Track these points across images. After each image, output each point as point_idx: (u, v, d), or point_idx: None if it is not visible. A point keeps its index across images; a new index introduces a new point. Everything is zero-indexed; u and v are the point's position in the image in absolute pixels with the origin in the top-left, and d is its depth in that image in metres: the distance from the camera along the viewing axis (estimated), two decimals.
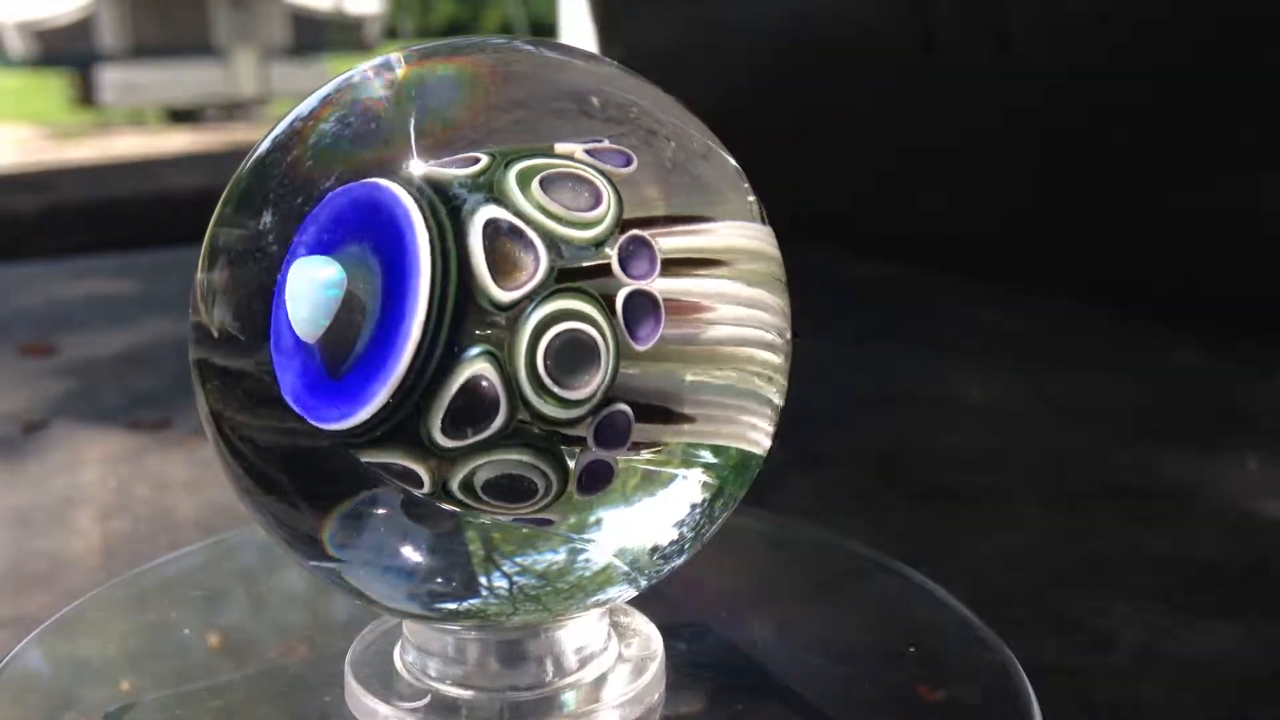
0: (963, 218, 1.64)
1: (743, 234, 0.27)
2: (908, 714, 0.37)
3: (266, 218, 0.27)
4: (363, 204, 0.25)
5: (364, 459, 0.25)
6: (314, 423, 0.25)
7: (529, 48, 0.30)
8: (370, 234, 0.25)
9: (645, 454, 0.26)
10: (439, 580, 0.27)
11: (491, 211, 0.25)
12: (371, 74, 0.28)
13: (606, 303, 0.25)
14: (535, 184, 0.25)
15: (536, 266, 0.25)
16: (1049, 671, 0.62)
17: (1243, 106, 1.27)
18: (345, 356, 0.25)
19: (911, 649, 0.38)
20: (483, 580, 0.27)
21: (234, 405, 0.27)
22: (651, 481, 0.27)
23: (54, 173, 2.89)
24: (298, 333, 0.25)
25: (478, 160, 0.26)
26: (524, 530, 0.26)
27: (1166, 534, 0.81)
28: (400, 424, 0.25)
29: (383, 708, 0.31)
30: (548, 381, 0.25)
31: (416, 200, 0.25)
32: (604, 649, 0.32)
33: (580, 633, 0.31)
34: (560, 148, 0.26)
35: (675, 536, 0.29)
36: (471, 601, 0.28)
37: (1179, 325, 1.29)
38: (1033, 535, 0.82)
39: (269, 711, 0.37)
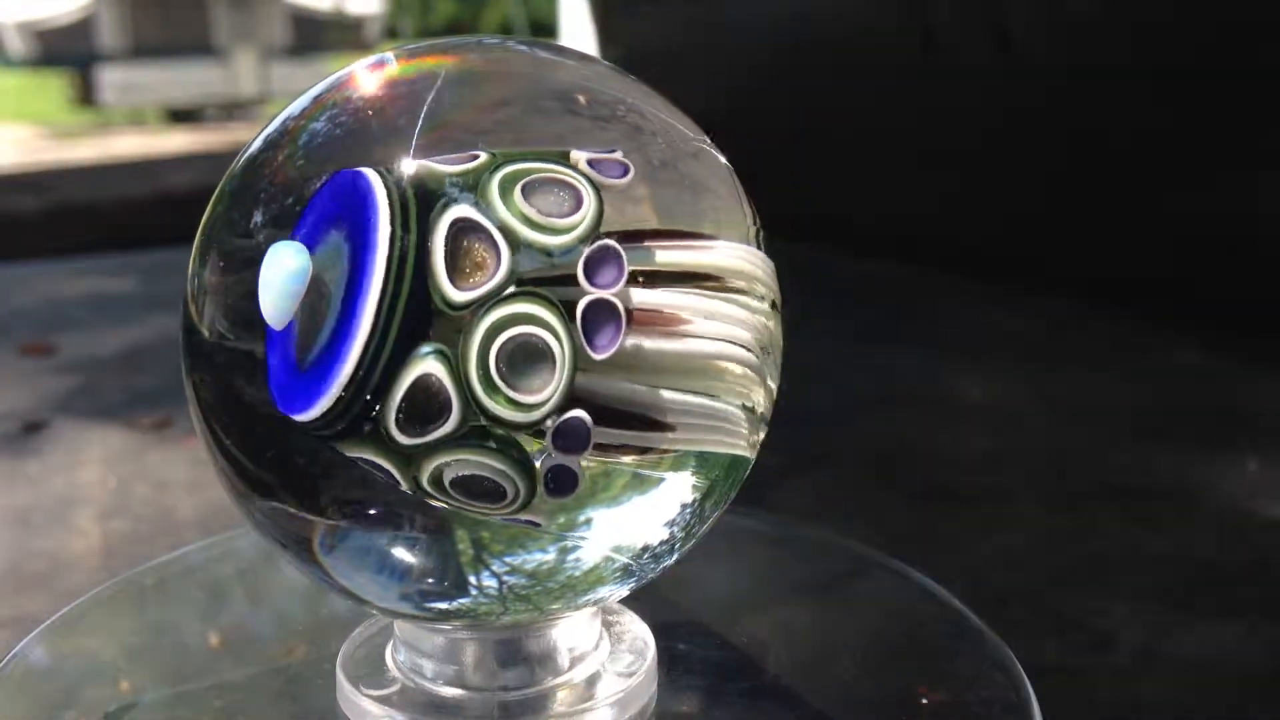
0: (963, 218, 1.64)
1: (730, 252, 0.27)
2: (908, 714, 0.37)
3: (257, 217, 0.27)
4: (343, 192, 0.26)
5: (343, 453, 0.25)
6: (284, 412, 0.25)
7: (522, 48, 0.30)
8: (345, 223, 0.25)
9: (626, 459, 0.26)
10: (430, 580, 0.27)
11: (462, 211, 0.25)
12: (364, 72, 0.29)
13: (567, 310, 0.25)
14: (518, 187, 0.25)
15: (496, 269, 0.25)
16: (1049, 671, 0.62)
17: (1243, 106, 1.27)
18: (310, 347, 0.25)
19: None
20: (472, 580, 0.27)
21: (224, 405, 0.28)
22: (641, 481, 0.27)
23: (54, 173, 2.89)
24: (267, 320, 0.25)
25: (476, 158, 0.26)
26: (513, 530, 0.26)
27: (1166, 534, 0.81)
28: (358, 419, 0.25)
29: (364, 701, 0.31)
30: (500, 384, 0.25)
31: (389, 192, 0.25)
32: (596, 648, 0.32)
33: (572, 632, 0.31)
34: (574, 155, 0.26)
35: (666, 536, 0.29)
36: (461, 601, 0.28)
37: (1179, 325, 1.29)
38: (1033, 535, 0.82)
39: (269, 711, 0.37)
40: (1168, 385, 1.15)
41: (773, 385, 0.29)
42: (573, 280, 0.25)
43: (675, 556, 0.30)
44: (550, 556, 0.27)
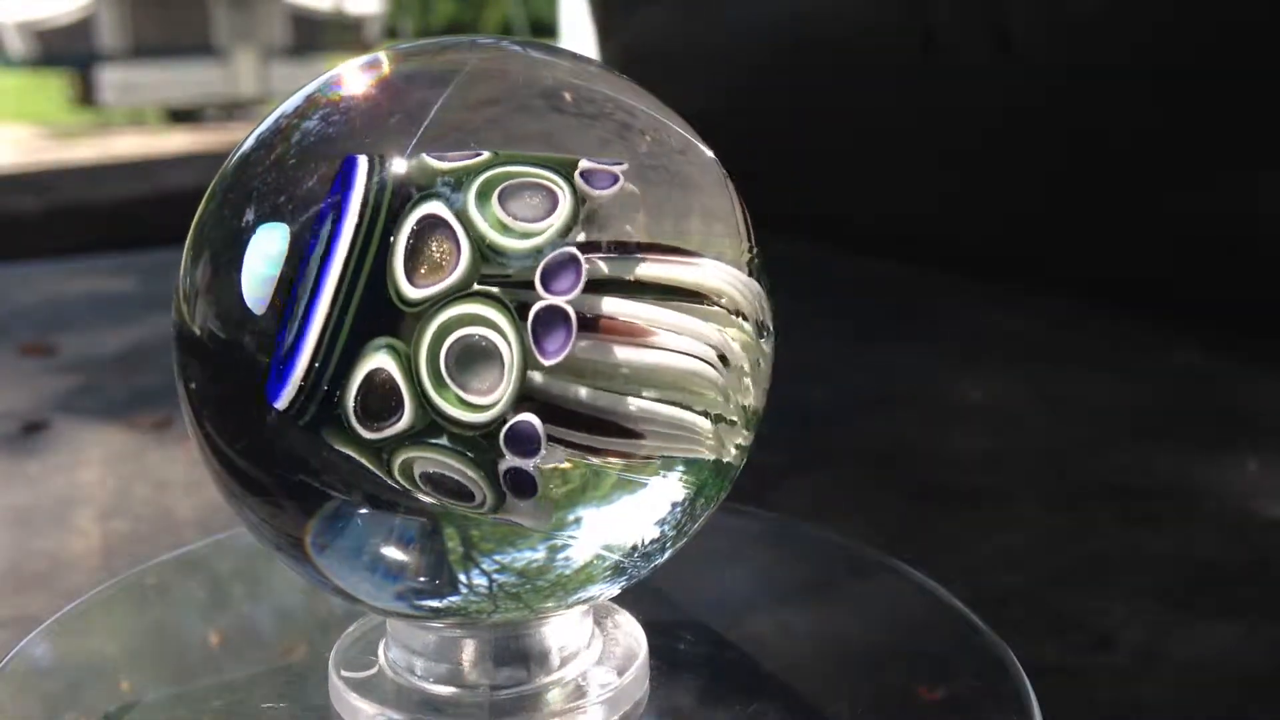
0: (963, 218, 1.64)
1: (709, 271, 0.27)
2: (907, 714, 0.37)
3: (249, 215, 0.27)
4: (336, 178, 0.26)
5: (323, 448, 0.25)
6: (268, 400, 0.25)
7: (515, 48, 0.30)
8: (328, 210, 0.25)
9: (594, 459, 0.26)
10: (421, 579, 0.27)
11: (432, 208, 0.25)
12: (357, 71, 0.29)
13: (521, 314, 0.25)
14: (499, 190, 0.25)
15: (453, 268, 0.25)
16: (1049, 671, 0.62)
17: (1243, 106, 1.27)
18: (283, 333, 0.25)
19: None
20: (462, 578, 0.27)
21: (216, 404, 0.28)
22: (629, 481, 0.27)
23: (54, 173, 2.89)
24: (247, 303, 0.26)
25: (473, 157, 0.26)
26: (502, 528, 0.26)
27: (1166, 534, 0.81)
28: (322, 409, 0.25)
29: (355, 700, 0.31)
30: (449, 383, 0.25)
31: (368, 183, 0.25)
32: (587, 647, 0.32)
33: (564, 630, 0.31)
34: (584, 163, 0.26)
35: (657, 535, 0.29)
36: (452, 599, 0.28)
37: (1179, 325, 1.29)
38: (1033, 535, 0.82)
39: (269, 711, 0.38)
40: (1168, 385, 1.15)
41: (750, 397, 0.29)
42: (530, 285, 0.25)
43: (667, 555, 0.30)
44: (540, 555, 0.27)
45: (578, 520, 0.27)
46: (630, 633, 0.34)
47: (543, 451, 0.25)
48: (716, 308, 0.27)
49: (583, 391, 0.25)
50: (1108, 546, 0.80)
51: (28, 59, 6.74)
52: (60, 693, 0.38)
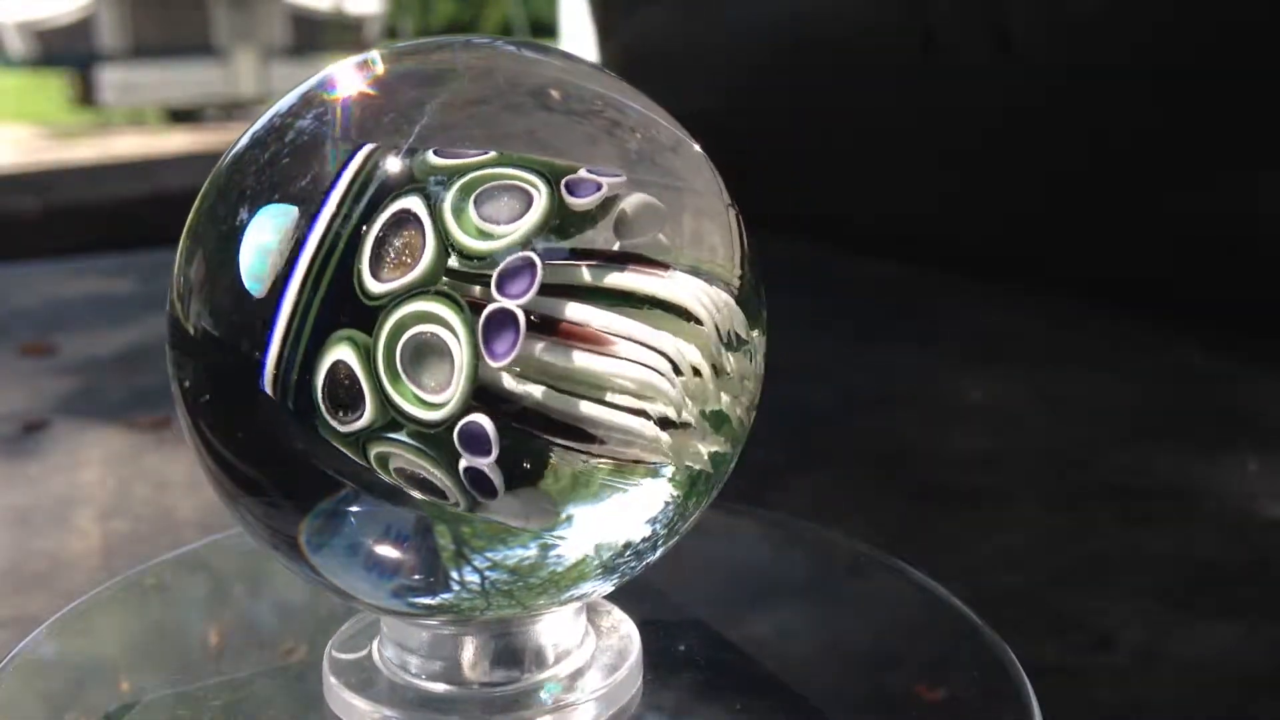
0: (963, 218, 1.64)
1: (678, 285, 0.27)
2: (907, 714, 0.37)
3: (243, 213, 0.27)
4: (325, 174, 0.26)
5: (311, 443, 0.26)
6: (259, 386, 0.26)
7: (509, 48, 0.30)
8: (313, 201, 0.26)
9: (572, 464, 0.26)
10: (415, 577, 0.28)
11: (409, 203, 0.25)
12: (351, 70, 0.29)
13: (476, 314, 0.25)
14: (479, 190, 0.26)
15: (415, 264, 0.25)
16: (1049, 671, 0.62)
17: (1243, 106, 1.27)
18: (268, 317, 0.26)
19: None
20: (454, 575, 0.27)
21: (210, 403, 0.28)
22: (619, 479, 0.27)
23: (54, 173, 2.89)
24: (246, 286, 0.26)
25: (475, 155, 0.26)
26: (493, 526, 0.27)
27: (1166, 534, 0.81)
28: (299, 398, 0.26)
29: (349, 697, 0.31)
30: (405, 379, 0.25)
31: (352, 178, 0.26)
32: (580, 644, 0.32)
33: (557, 628, 0.31)
34: (582, 170, 0.26)
35: (648, 533, 0.29)
36: (444, 596, 0.28)
37: (1179, 325, 1.29)
38: (1033, 535, 0.82)
39: (269, 711, 0.38)
40: (1168, 385, 1.15)
41: (721, 403, 0.28)
42: (487, 286, 0.25)
43: (659, 553, 0.30)
44: (532, 552, 0.27)
45: (569, 518, 0.27)
46: (623, 631, 0.34)
47: (494, 453, 0.25)
48: (676, 317, 0.27)
49: (537, 394, 0.25)
50: (1108, 546, 0.80)
51: (28, 59, 6.74)
52: (60, 693, 0.38)
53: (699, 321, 0.27)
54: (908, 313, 1.50)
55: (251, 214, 0.27)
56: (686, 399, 0.27)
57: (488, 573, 0.28)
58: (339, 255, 0.25)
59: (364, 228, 0.25)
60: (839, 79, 1.81)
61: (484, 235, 0.25)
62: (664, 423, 0.27)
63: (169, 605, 0.45)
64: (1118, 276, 1.42)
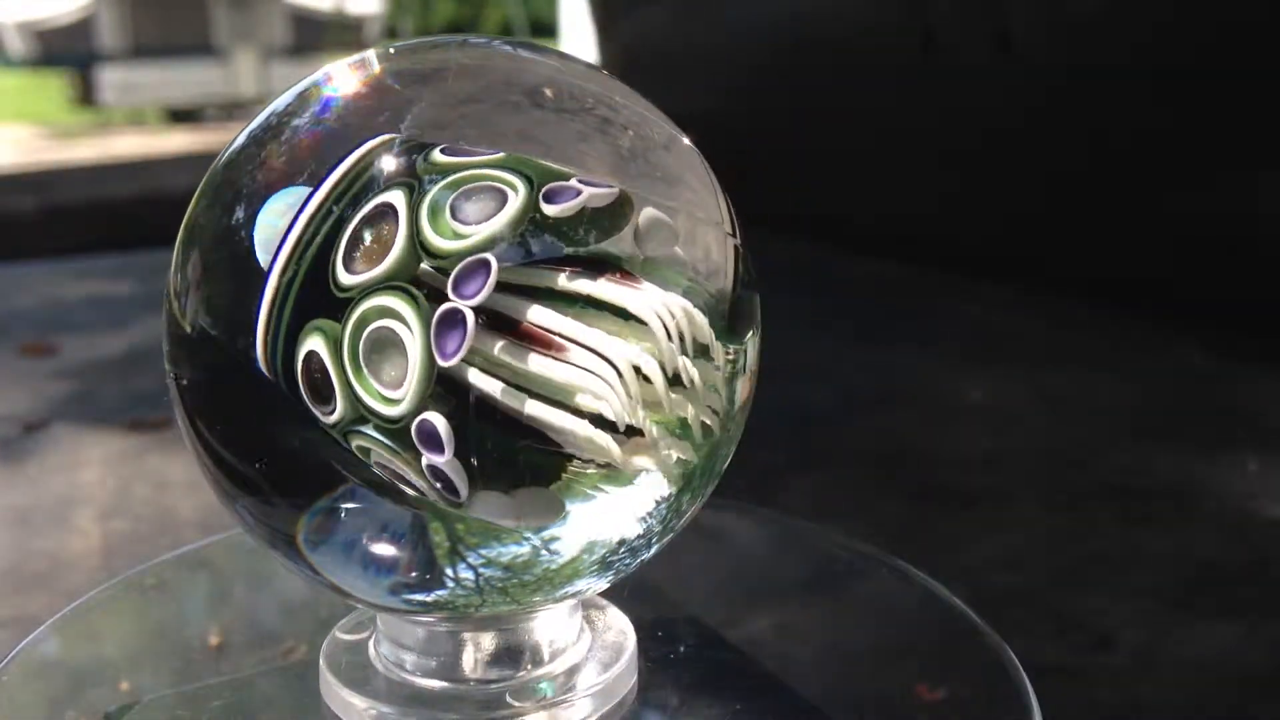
0: (963, 218, 1.64)
1: (644, 296, 0.27)
2: (908, 714, 0.37)
3: (240, 213, 0.27)
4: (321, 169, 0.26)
5: (306, 437, 0.26)
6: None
7: (506, 47, 0.30)
8: (303, 195, 0.26)
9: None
10: (412, 574, 0.28)
11: (391, 198, 0.26)
12: (348, 70, 0.29)
13: (432, 312, 0.25)
14: (461, 189, 0.26)
15: (382, 259, 0.25)
16: (1049, 671, 0.62)
17: (1243, 106, 1.27)
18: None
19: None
20: (449, 572, 0.28)
21: (208, 401, 0.28)
22: (614, 477, 0.27)
23: (54, 173, 2.89)
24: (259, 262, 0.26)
25: (481, 155, 0.26)
26: (486, 522, 0.27)
27: (1166, 534, 0.81)
28: (286, 387, 0.26)
29: (345, 694, 0.31)
30: (366, 373, 0.25)
31: (344, 173, 0.26)
32: (576, 641, 0.32)
33: (552, 625, 0.31)
34: (574, 180, 0.26)
35: (642, 530, 0.29)
36: (439, 593, 0.28)
37: (1179, 325, 1.29)
38: (1033, 535, 0.82)
39: (269, 711, 0.38)
40: (1168, 385, 1.15)
41: (686, 411, 0.28)
42: (445, 284, 0.25)
43: (653, 550, 0.30)
44: (525, 550, 0.27)
45: (563, 516, 0.27)
46: (619, 628, 0.34)
47: (448, 450, 0.25)
48: (635, 324, 0.27)
49: (494, 392, 0.25)
50: (1108, 546, 0.80)
51: (28, 59, 6.74)
52: (61, 692, 0.38)
53: (665, 329, 0.27)
54: (908, 313, 1.50)
55: (255, 214, 0.27)
56: (637, 406, 0.27)
57: (482, 570, 0.28)
58: (318, 246, 0.25)
59: (345, 220, 0.26)
60: (839, 79, 1.81)
61: (455, 235, 0.25)
62: (610, 427, 0.27)
63: (169, 605, 0.45)
64: (1118, 276, 1.42)
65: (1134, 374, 1.18)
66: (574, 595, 0.30)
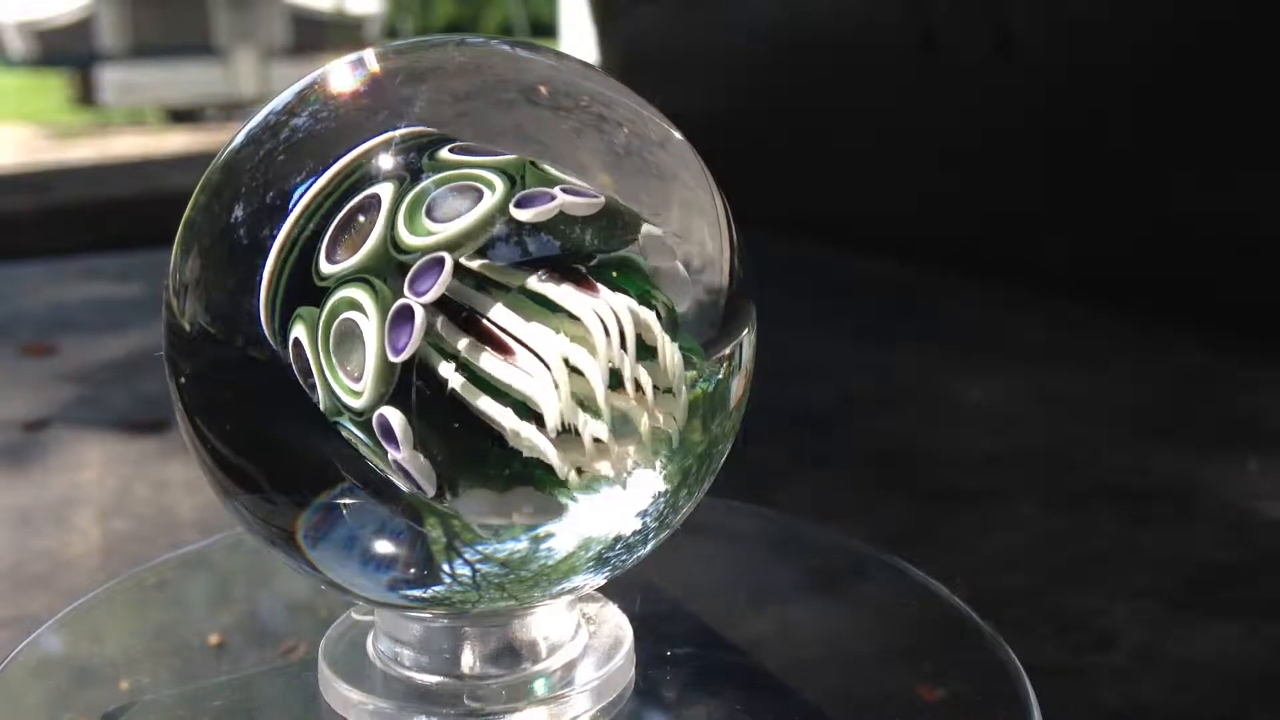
0: (963, 217, 1.64)
1: (600, 297, 0.27)
2: (908, 714, 0.37)
3: (238, 211, 0.27)
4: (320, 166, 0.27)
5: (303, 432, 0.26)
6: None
7: (504, 47, 0.31)
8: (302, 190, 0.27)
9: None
10: (409, 569, 0.28)
11: (379, 190, 0.26)
12: (346, 69, 0.29)
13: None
14: (443, 187, 0.26)
15: (355, 251, 0.26)
16: (1049, 671, 0.62)
17: (1244, 106, 1.27)
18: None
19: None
20: (446, 568, 0.28)
21: (207, 400, 0.28)
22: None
23: (54, 173, 2.89)
24: None
25: (488, 154, 0.26)
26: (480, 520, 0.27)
27: (1166, 534, 0.82)
28: (281, 375, 0.26)
29: (343, 689, 0.31)
30: (336, 364, 0.25)
31: (340, 169, 0.26)
32: (573, 637, 0.32)
33: (550, 621, 0.32)
34: (558, 189, 0.26)
35: (639, 526, 0.29)
36: (437, 589, 0.28)
37: (1180, 325, 1.29)
38: (1033, 535, 0.82)
39: (269, 711, 0.38)
40: (1168, 385, 1.15)
41: (635, 417, 0.28)
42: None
43: (650, 546, 0.30)
44: (522, 546, 0.27)
45: (555, 515, 0.27)
46: (616, 624, 0.34)
47: (402, 449, 0.25)
48: (582, 327, 0.27)
49: (455, 385, 0.25)
50: (1108, 546, 0.80)
51: (28, 59, 6.75)
52: (60, 692, 0.39)
53: (606, 332, 0.27)
54: (908, 313, 1.50)
55: (253, 214, 0.27)
56: (577, 409, 0.27)
57: (479, 565, 0.28)
58: (306, 237, 0.26)
59: (336, 210, 0.26)
60: (839, 79, 1.81)
61: (425, 232, 0.26)
62: (556, 429, 0.27)
63: (169, 605, 0.45)
64: (1118, 276, 1.42)
65: (1134, 374, 1.18)
66: (571, 591, 0.30)
